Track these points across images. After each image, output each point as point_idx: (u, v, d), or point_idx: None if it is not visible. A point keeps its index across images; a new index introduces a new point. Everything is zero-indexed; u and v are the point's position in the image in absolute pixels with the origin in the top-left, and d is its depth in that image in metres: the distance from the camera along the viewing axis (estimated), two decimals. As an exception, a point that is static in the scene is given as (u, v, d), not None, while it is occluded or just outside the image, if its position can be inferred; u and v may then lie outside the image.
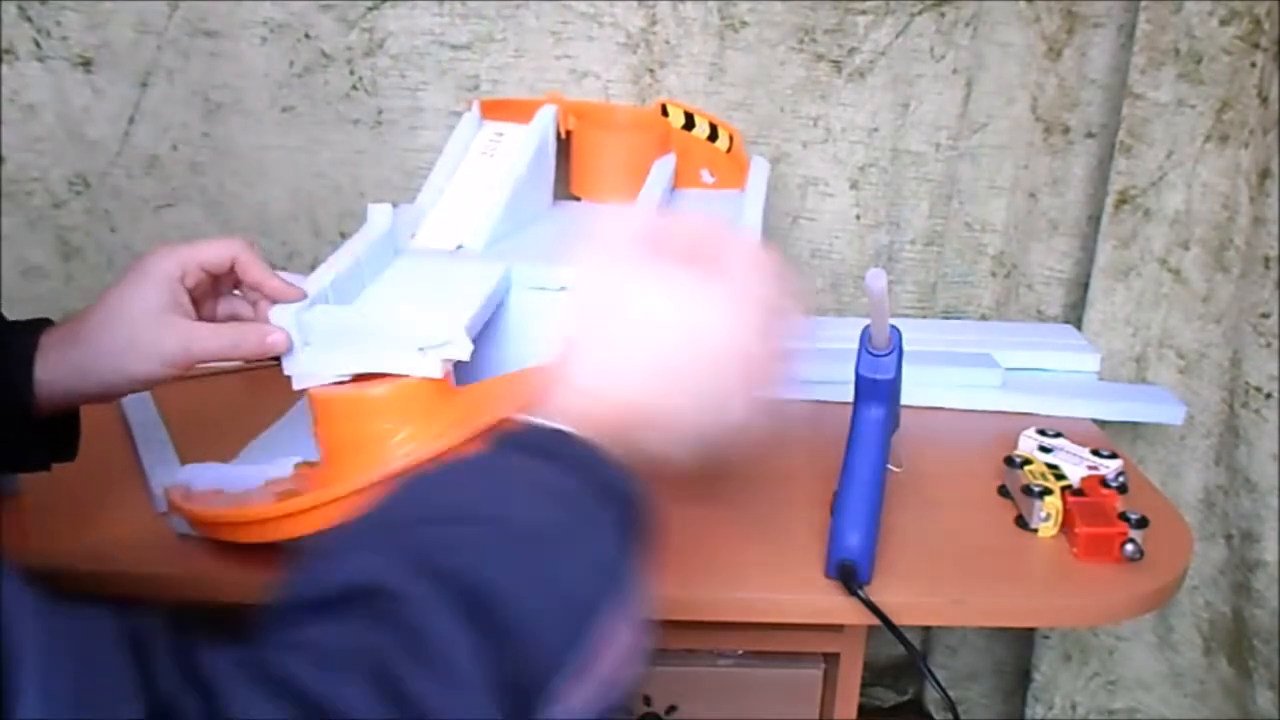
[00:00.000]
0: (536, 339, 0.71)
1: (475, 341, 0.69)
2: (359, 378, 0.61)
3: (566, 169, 0.97)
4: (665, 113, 0.96)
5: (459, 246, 0.81)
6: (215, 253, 0.60)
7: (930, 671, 0.64)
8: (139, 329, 0.57)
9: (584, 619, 0.33)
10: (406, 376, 0.59)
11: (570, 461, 0.36)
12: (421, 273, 0.75)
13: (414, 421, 0.59)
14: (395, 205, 0.79)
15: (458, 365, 0.62)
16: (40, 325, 0.58)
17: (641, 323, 0.39)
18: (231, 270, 0.62)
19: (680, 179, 0.97)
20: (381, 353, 0.60)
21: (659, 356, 0.39)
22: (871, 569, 0.64)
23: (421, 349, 0.60)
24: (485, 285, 0.71)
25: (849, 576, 0.63)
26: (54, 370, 0.56)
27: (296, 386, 0.62)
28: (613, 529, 0.36)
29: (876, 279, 0.54)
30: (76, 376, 0.57)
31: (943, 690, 0.64)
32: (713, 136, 0.96)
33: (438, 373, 0.60)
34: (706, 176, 0.97)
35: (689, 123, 0.96)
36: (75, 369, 0.56)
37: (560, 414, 0.38)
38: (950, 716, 1.23)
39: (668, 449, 0.39)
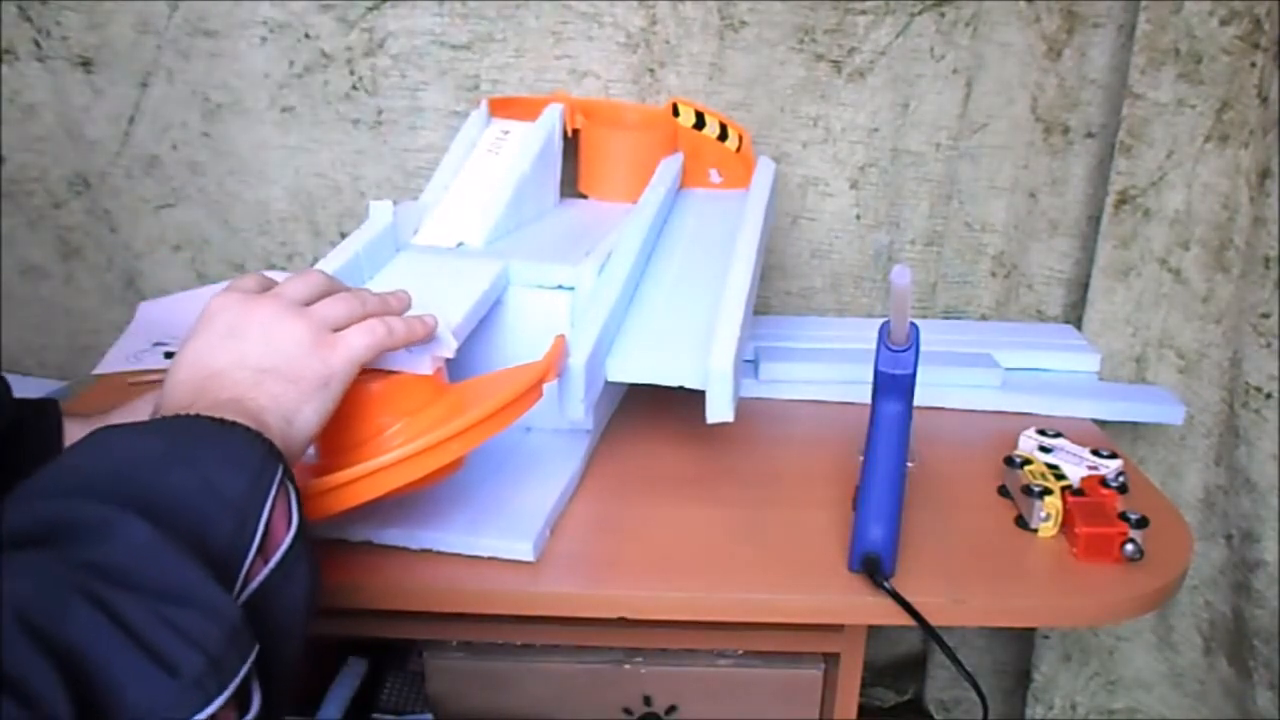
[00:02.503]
0: (533, 335, 0.72)
1: (472, 337, 0.70)
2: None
3: (574, 167, 0.97)
4: (676, 112, 0.96)
5: (460, 244, 0.81)
6: None
7: (955, 657, 0.63)
8: None
9: (246, 511, 0.43)
10: (399, 372, 0.60)
11: (185, 419, 0.47)
12: (420, 269, 0.75)
13: (407, 415, 0.60)
14: (397, 203, 0.79)
15: (454, 360, 0.63)
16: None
17: (220, 328, 0.54)
18: None
19: (688, 178, 0.97)
20: None
21: (230, 346, 0.53)
22: (895, 562, 0.64)
23: (408, 346, 0.60)
24: (481, 283, 0.72)
25: (874, 569, 0.63)
26: None
27: None
28: (244, 444, 0.46)
29: (901, 275, 0.55)
30: None
31: (971, 679, 0.64)
32: (723, 136, 0.96)
33: (426, 369, 0.61)
34: (715, 176, 0.97)
35: (699, 122, 0.96)
36: None
37: (169, 384, 0.52)
38: (950, 717, 1.23)
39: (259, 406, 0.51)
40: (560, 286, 0.75)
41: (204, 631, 0.37)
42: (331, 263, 0.70)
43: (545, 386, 0.64)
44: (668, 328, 0.75)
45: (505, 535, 0.64)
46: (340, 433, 0.60)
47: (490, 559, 0.64)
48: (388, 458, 0.56)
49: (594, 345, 0.68)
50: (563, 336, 0.67)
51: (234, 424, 0.47)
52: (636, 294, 0.79)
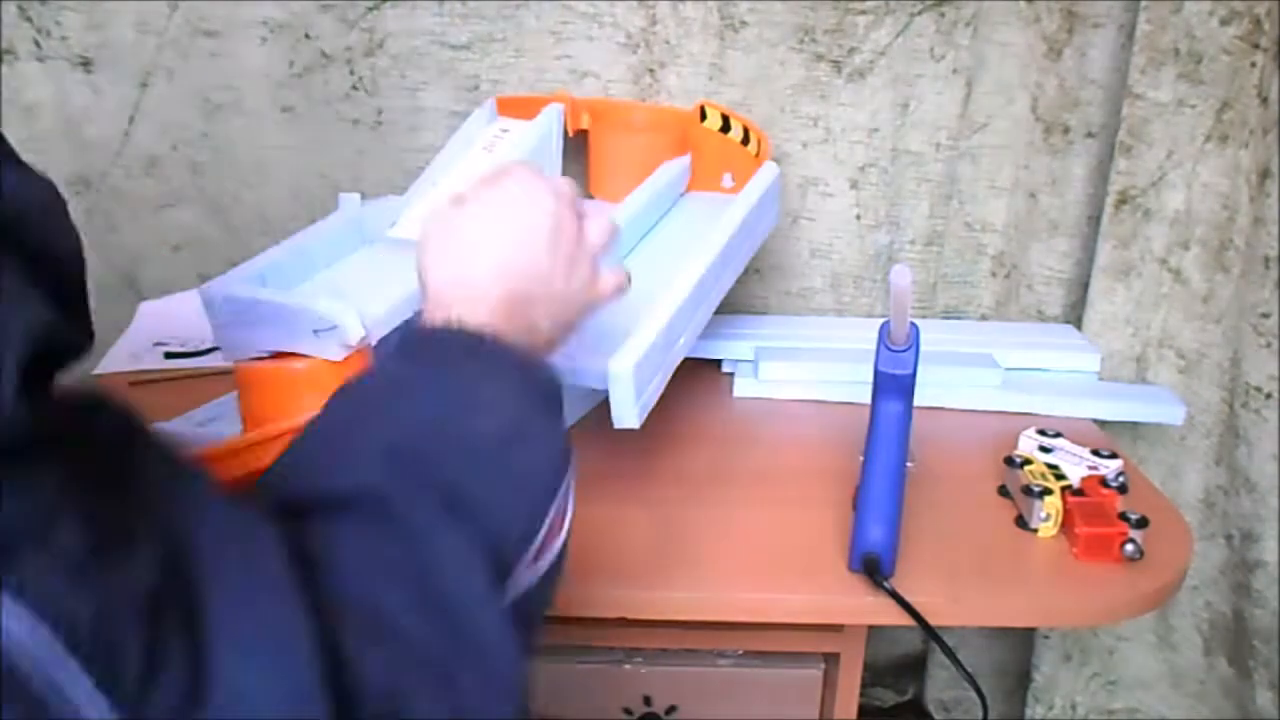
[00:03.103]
0: None
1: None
2: (283, 355, 0.63)
3: (583, 168, 0.97)
4: (704, 115, 0.94)
5: None
6: None
7: (955, 657, 0.63)
8: None
9: (542, 502, 0.39)
10: (314, 358, 0.62)
11: (492, 361, 0.42)
12: (378, 262, 0.76)
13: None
14: (368, 198, 0.80)
15: None
16: None
17: (473, 226, 0.47)
18: None
19: (701, 182, 0.96)
20: (283, 334, 0.62)
21: (497, 243, 0.46)
22: (895, 562, 0.64)
23: (316, 332, 0.61)
24: None
25: (874, 569, 0.63)
26: None
27: (223, 360, 0.65)
28: (545, 416, 0.42)
29: (901, 275, 0.55)
30: None
31: (971, 679, 0.64)
32: (745, 140, 0.95)
33: (335, 355, 0.61)
34: (728, 181, 0.96)
35: (725, 125, 0.95)
36: None
37: (463, 317, 0.44)
38: (950, 717, 1.23)
39: (553, 317, 0.47)
40: None
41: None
42: (276, 252, 0.71)
43: None
44: (604, 328, 0.74)
45: None
46: (265, 412, 0.61)
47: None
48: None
49: None
50: None
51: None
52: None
